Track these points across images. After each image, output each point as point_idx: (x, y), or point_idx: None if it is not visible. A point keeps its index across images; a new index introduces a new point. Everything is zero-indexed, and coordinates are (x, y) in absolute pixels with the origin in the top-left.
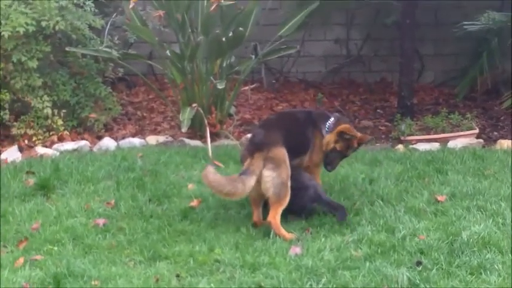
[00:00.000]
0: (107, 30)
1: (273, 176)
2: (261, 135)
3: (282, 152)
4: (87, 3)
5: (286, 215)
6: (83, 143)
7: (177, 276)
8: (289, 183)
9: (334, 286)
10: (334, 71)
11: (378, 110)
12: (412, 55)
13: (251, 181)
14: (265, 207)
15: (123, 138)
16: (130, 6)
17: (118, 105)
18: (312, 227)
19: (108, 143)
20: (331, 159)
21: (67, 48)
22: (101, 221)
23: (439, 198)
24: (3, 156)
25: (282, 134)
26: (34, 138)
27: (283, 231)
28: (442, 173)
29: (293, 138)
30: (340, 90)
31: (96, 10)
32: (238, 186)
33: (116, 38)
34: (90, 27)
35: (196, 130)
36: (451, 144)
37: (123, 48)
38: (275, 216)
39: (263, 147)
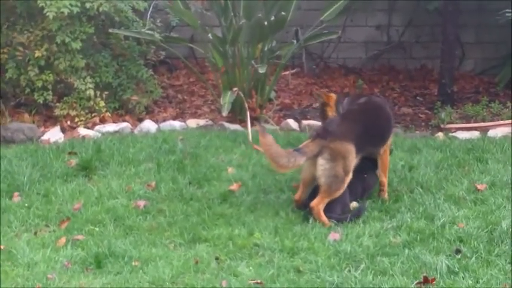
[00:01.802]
0: (149, 12)
1: (325, 167)
2: (334, 124)
3: (345, 148)
4: None
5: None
6: (124, 124)
7: (216, 259)
8: (346, 179)
9: (373, 272)
10: (374, 57)
11: (418, 97)
12: (454, 42)
13: (301, 160)
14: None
15: (164, 121)
16: None
17: (159, 88)
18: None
19: (149, 125)
20: None
21: (110, 30)
22: (141, 203)
23: (479, 186)
24: (46, 136)
25: (357, 130)
26: (76, 119)
27: (323, 218)
28: (482, 161)
29: (374, 132)
30: (380, 76)
31: None
32: (291, 161)
33: (158, 21)
34: (133, 10)
35: (236, 114)
36: (491, 133)
37: (165, 31)
38: (319, 204)
39: (327, 136)
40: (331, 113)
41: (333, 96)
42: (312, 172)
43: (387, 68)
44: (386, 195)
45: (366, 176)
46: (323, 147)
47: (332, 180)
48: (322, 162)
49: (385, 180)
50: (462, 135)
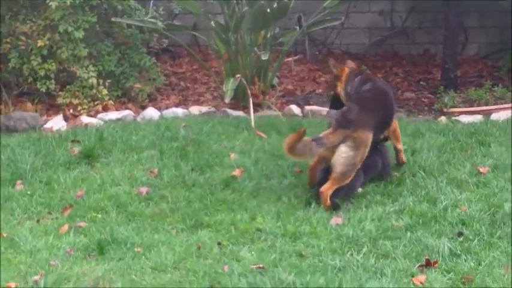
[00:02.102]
0: (152, 0)
1: (348, 154)
2: (354, 113)
3: (367, 137)
4: None
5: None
6: (126, 112)
7: (219, 244)
8: (358, 167)
9: (375, 255)
10: (377, 43)
11: (421, 82)
12: (457, 27)
13: (318, 150)
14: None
15: (167, 108)
16: None
17: (162, 76)
18: (353, 198)
19: (151, 112)
20: None
21: (113, 19)
22: (144, 190)
23: (482, 169)
24: (49, 125)
25: (375, 118)
26: (79, 108)
27: (329, 204)
28: (484, 145)
29: (386, 119)
30: (384, 62)
31: None
32: (306, 151)
33: (161, 9)
34: None
35: (239, 101)
36: (494, 116)
37: (168, 19)
38: (328, 189)
39: (350, 126)
40: (340, 87)
41: (346, 70)
42: (324, 156)
43: (390, 53)
44: (404, 159)
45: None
46: (346, 137)
47: (349, 168)
48: (345, 150)
49: (400, 146)
50: (465, 119)
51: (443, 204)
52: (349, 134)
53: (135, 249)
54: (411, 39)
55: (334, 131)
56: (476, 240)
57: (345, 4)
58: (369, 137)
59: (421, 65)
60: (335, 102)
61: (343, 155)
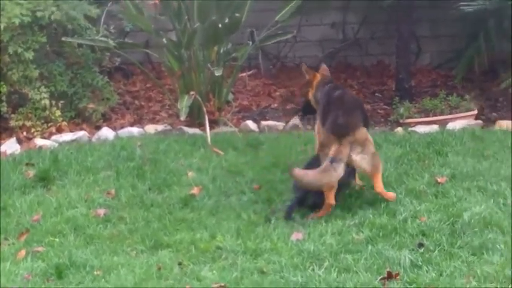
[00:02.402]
0: (102, 19)
1: (363, 157)
2: (343, 118)
3: (363, 131)
4: None
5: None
6: (81, 133)
7: (179, 264)
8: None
9: (337, 270)
10: (330, 55)
11: (376, 94)
12: (409, 37)
13: (341, 168)
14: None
15: (122, 127)
16: None
17: (115, 95)
18: (313, 212)
19: (106, 133)
20: None
21: (63, 39)
22: (101, 211)
23: (440, 180)
24: (2, 148)
25: (358, 114)
26: (32, 130)
27: (389, 194)
28: (441, 154)
29: (365, 118)
30: (338, 74)
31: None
32: (333, 175)
33: (111, 27)
34: (86, 17)
35: (194, 118)
36: (450, 126)
37: (119, 37)
38: (380, 185)
39: (349, 132)
40: (310, 93)
41: (318, 77)
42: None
43: (344, 65)
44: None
45: None
46: (352, 143)
47: (373, 160)
48: (359, 158)
49: None
50: (421, 129)
51: (403, 215)
52: (352, 139)
53: (95, 272)
54: (364, 50)
55: (339, 144)
56: (436, 251)
57: (297, 17)
58: (364, 130)
59: (375, 76)
60: (307, 108)
61: (361, 162)
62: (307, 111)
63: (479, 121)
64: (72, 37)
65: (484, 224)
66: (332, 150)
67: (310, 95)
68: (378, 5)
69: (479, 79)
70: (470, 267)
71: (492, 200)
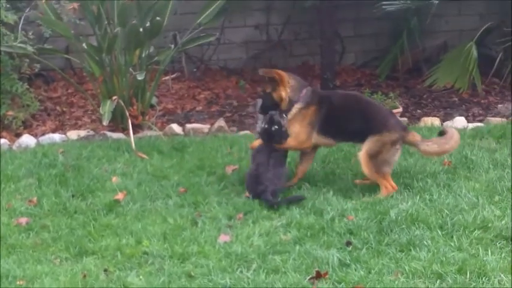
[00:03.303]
0: (20, 25)
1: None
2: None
3: None
4: None
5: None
6: (1, 141)
7: (105, 270)
8: None
9: (265, 271)
10: (255, 57)
11: None
12: (332, 37)
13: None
14: None
15: (43, 134)
16: (44, 0)
17: (36, 102)
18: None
19: (27, 140)
20: None
21: None
22: (23, 220)
23: (366, 180)
24: None
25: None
26: None
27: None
28: None
29: None
30: (262, 76)
31: (8, 5)
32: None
33: (30, 33)
34: (3, 23)
35: (118, 123)
36: None
37: (39, 43)
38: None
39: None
40: (284, 92)
41: (285, 74)
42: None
43: (269, 67)
44: None
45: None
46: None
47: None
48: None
49: None
50: None
51: (330, 215)
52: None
53: (18, 282)
54: (288, 51)
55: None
56: (364, 249)
57: (219, 19)
58: None
59: (300, 77)
60: (270, 106)
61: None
62: (269, 109)
63: (405, 118)
64: None
65: (411, 221)
66: (414, 136)
67: (284, 94)
68: (300, 5)
69: (404, 77)
70: (398, 264)
71: (418, 197)
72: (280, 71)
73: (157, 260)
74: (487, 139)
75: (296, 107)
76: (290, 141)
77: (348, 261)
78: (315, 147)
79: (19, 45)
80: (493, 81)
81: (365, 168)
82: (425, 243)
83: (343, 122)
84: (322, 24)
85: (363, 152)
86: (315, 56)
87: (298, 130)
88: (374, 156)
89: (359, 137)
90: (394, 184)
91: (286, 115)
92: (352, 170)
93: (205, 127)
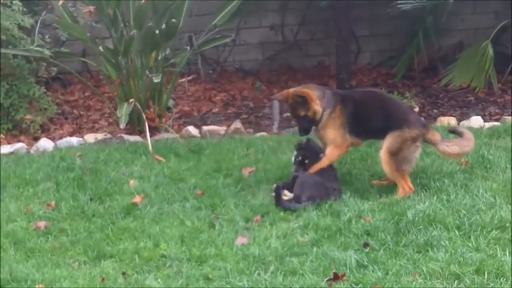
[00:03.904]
0: (37, 29)
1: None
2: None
3: None
4: (14, 2)
5: None
6: (19, 145)
7: (123, 274)
8: None
9: (283, 273)
10: (271, 58)
11: None
12: (348, 36)
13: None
14: None
15: (61, 138)
16: (60, 3)
17: (53, 105)
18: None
19: (45, 144)
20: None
21: None
22: (42, 224)
23: (383, 181)
24: None
25: None
26: None
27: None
28: None
29: None
30: (279, 77)
31: (25, 9)
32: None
33: (47, 37)
34: (20, 27)
35: (135, 125)
36: None
37: (55, 46)
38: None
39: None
40: (317, 106)
41: (309, 90)
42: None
43: (285, 67)
44: None
45: None
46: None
47: None
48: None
49: None
50: None
51: (347, 216)
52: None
53: (36, 286)
54: (304, 52)
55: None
56: (382, 250)
57: (235, 21)
58: None
59: (316, 77)
60: (309, 124)
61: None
62: (308, 127)
63: (421, 118)
64: (6, 48)
65: (428, 222)
66: (435, 135)
67: (318, 108)
68: (315, 5)
69: (420, 76)
70: (416, 264)
71: (435, 197)
72: (303, 89)
73: (175, 263)
74: (504, 138)
75: (325, 114)
76: (331, 151)
77: (366, 263)
78: None
79: (36, 48)
80: (509, 80)
81: (385, 165)
82: (443, 243)
83: (367, 119)
84: (338, 23)
85: (383, 149)
86: (330, 56)
87: (334, 134)
88: (395, 154)
89: (381, 134)
90: (411, 185)
91: (317, 127)
92: (369, 171)
93: (221, 129)
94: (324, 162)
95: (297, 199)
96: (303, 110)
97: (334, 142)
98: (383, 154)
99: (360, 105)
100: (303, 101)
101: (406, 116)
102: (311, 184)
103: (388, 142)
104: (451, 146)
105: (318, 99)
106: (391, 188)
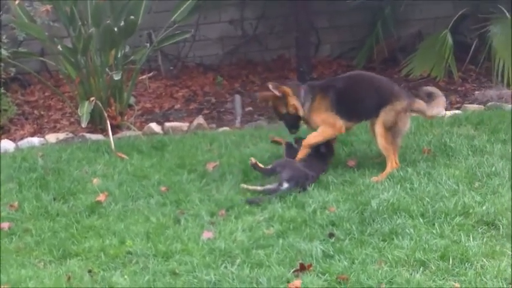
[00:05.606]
0: None
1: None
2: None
3: None
4: None
5: None
6: None
7: (89, 272)
8: None
9: (249, 265)
10: (231, 52)
11: None
12: (308, 29)
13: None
14: None
15: (22, 138)
16: (16, 2)
17: (13, 106)
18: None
19: (6, 145)
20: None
21: None
22: (5, 225)
23: (350, 163)
24: None
25: None
26: None
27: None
28: (347, 144)
29: None
30: (239, 71)
31: None
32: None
33: (4, 37)
34: None
35: (96, 124)
36: None
37: (13, 46)
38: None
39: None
40: (295, 101)
41: (284, 87)
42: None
43: (245, 62)
44: None
45: None
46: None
47: None
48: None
49: None
50: None
51: (312, 207)
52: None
53: (2, 287)
54: (264, 45)
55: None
56: (347, 240)
57: (194, 16)
58: None
59: (276, 71)
60: (292, 120)
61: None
62: (294, 126)
63: None
64: None
65: (393, 210)
66: (420, 103)
67: (297, 102)
68: None
69: (380, 67)
70: (381, 253)
71: (399, 186)
72: (279, 87)
73: (141, 259)
74: (465, 126)
75: (307, 106)
76: (323, 129)
77: (332, 253)
78: None
79: None
80: (469, 68)
81: (381, 139)
82: (408, 231)
83: (357, 102)
84: (297, 16)
85: (379, 123)
86: (290, 49)
87: (322, 117)
88: (391, 127)
89: (373, 113)
90: (397, 161)
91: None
92: (332, 163)
93: (184, 125)
94: (317, 138)
95: (272, 171)
96: (283, 108)
97: (325, 122)
98: (379, 128)
99: (346, 90)
100: (281, 99)
101: (392, 89)
102: (294, 167)
103: (382, 118)
104: (436, 109)
105: (293, 94)
106: (354, 178)
